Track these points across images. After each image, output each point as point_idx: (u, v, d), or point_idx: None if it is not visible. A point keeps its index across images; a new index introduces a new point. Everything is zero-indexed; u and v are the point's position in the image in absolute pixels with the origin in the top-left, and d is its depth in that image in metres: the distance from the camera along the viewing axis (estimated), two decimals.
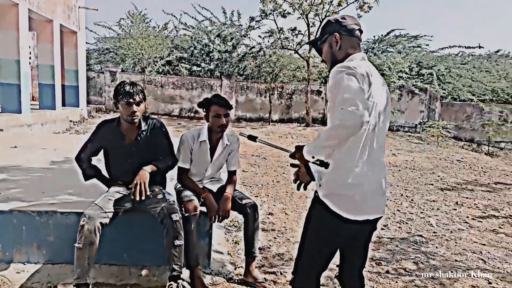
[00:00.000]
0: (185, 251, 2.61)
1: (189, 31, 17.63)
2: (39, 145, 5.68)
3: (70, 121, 11.36)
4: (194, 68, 16.00)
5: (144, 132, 2.75)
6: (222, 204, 2.78)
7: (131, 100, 2.56)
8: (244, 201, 2.85)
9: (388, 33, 19.18)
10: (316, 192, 1.85)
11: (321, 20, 13.70)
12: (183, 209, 2.66)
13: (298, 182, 1.92)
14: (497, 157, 11.61)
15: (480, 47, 15.72)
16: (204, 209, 2.81)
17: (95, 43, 18.48)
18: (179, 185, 2.99)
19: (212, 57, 16.13)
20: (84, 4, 12.50)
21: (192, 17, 17.64)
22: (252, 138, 2.24)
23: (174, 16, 18.21)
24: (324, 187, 1.79)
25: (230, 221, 4.03)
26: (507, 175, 8.14)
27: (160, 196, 2.70)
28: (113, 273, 2.73)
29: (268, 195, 5.45)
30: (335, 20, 1.91)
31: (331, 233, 1.83)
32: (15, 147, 5.36)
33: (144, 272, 2.79)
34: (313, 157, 1.74)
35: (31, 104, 9.80)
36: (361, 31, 1.90)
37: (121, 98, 2.57)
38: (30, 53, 12.69)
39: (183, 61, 16.39)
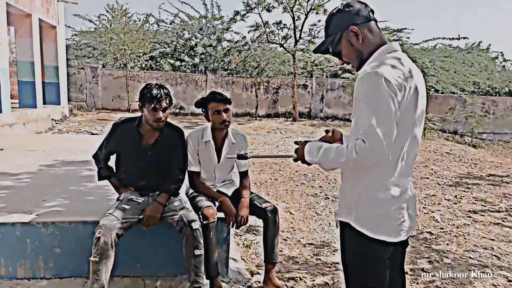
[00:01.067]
0: (205, 261, 2.48)
1: (169, 26, 17.24)
2: (24, 146, 5.39)
3: (52, 119, 10.94)
4: (178, 63, 15.67)
5: (164, 138, 2.61)
6: (241, 211, 2.64)
7: (157, 106, 2.44)
8: (264, 205, 2.71)
9: None
10: (345, 224, 1.61)
11: (305, 13, 13.61)
12: (200, 216, 2.51)
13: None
14: (481, 148, 11.83)
15: (464, 38, 15.98)
16: (220, 214, 2.67)
17: (72, 38, 17.87)
18: (191, 191, 2.83)
19: (196, 51, 15.84)
20: None
21: (171, 13, 17.25)
22: (241, 157, 1.98)
23: (158, 12, 17.76)
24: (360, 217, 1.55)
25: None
26: (497, 166, 8.28)
27: (176, 203, 2.55)
28: (126, 286, 2.57)
29: (268, 194, 5.33)
30: (341, 10, 1.57)
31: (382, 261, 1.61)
32: (1, 149, 5.06)
33: (159, 283, 2.63)
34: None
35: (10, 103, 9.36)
36: (373, 11, 1.59)
37: (147, 102, 2.44)
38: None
39: (166, 56, 16.03)
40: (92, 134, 9.64)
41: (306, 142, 1.68)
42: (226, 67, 16.21)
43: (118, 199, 2.57)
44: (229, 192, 2.88)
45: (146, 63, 14.88)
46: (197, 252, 2.38)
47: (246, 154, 2.00)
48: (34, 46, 10.18)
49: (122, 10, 14.21)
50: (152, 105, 2.43)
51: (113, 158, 2.72)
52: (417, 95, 1.49)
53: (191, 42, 16.17)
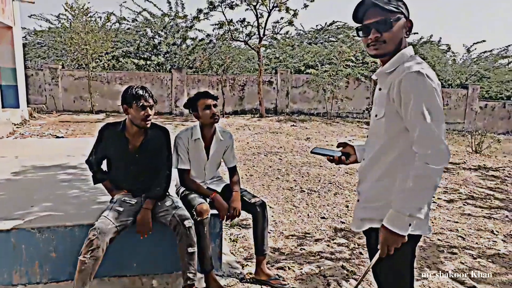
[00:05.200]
0: (199, 256, 2.60)
1: (131, 24, 16.89)
2: None
3: (12, 123, 10.50)
4: (142, 62, 15.41)
5: (150, 140, 2.66)
6: (233, 203, 2.79)
7: (145, 103, 2.49)
8: (253, 200, 2.87)
9: (330, 24, 19.83)
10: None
11: (268, 11, 13.81)
12: (194, 213, 2.62)
13: None
14: None
15: (415, 33, 16.75)
16: (212, 210, 2.79)
17: (24, 37, 17.07)
18: (182, 189, 2.93)
19: (160, 50, 15.65)
20: None
21: (134, 11, 16.87)
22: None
23: (119, 10, 17.32)
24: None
25: None
26: (454, 155, 8.86)
27: (168, 203, 2.64)
28: (125, 285, 2.63)
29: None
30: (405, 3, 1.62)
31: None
32: None
33: (155, 281, 2.72)
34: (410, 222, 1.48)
35: None
36: None
37: (134, 101, 2.48)
38: None
39: (129, 55, 15.72)
40: (57, 137, 9.36)
41: (385, 229, 1.52)
42: (191, 65, 16.11)
43: (111, 201, 2.62)
44: (219, 188, 3.01)
45: (109, 63, 14.51)
46: (190, 250, 2.47)
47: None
48: None
49: (82, 9, 13.76)
50: (141, 103, 2.47)
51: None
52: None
53: (154, 41, 15.95)
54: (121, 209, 2.51)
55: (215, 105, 2.88)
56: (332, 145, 9.37)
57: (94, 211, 2.77)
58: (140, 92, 2.51)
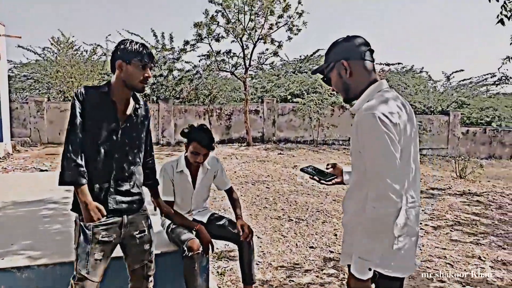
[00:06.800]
0: None
1: None
2: None
3: None
4: None
5: (139, 108, 2.10)
6: (245, 226, 2.82)
7: (148, 62, 1.96)
8: (237, 230, 2.85)
9: (314, 53, 20.34)
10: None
11: (254, 42, 14.13)
12: (185, 248, 2.58)
13: None
14: (422, 164, 12.72)
15: (398, 63, 17.31)
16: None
17: (10, 70, 17.07)
18: (168, 222, 2.90)
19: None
20: (5, 31, 11.56)
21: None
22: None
23: (105, 43, 17.52)
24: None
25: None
26: (438, 180, 8.97)
27: (147, 246, 2.15)
28: None
29: None
30: (341, 42, 1.67)
31: None
32: None
33: None
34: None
35: None
36: (372, 51, 1.67)
37: (135, 57, 1.93)
38: None
39: None
40: (41, 170, 9.21)
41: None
42: (178, 96, 16.22)
43: (84, 231, 1.95)
44: (204, 219, 2.99)
45: None
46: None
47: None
48: None
49: (68, 43, 13.89)
50: (143, 61, 1.95)
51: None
52: (412, 126, 1.59)
53: None
54: (100, 255, 1.95)
55: (206, 155, 2.81)
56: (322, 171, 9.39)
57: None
58: (142, 48, 1.97)
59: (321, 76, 1.77)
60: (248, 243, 2.85)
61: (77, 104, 1.92)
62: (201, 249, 2.61)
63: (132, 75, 1.95)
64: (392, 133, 1.46)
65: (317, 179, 1.91)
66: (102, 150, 1.96)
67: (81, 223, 1.96)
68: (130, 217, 2.08)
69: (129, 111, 2.05)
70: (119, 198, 2.02)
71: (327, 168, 2.00)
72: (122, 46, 1.96)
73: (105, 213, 1.94)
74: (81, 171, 1.88)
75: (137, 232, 2.10)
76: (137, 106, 2.08)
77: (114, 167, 2.00)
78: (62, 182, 1.88)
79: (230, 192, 3.09)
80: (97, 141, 1.95)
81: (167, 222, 2.90)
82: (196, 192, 2.97)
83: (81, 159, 1.90)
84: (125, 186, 2.05)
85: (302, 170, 1.94)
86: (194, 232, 2.78)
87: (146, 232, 2.14)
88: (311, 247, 4.34)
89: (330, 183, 1.90)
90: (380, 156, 1.45)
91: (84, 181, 1.88)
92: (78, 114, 1.91)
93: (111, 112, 1.98)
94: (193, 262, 2.54)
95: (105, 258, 1.99)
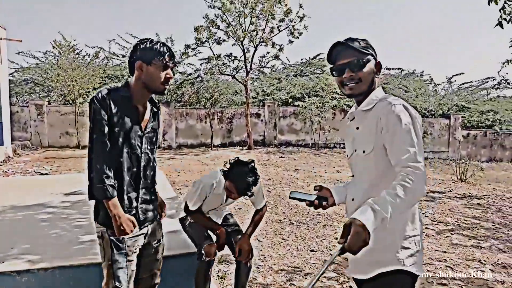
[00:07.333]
0: None
1: (121, 59, 17.14)
2: None
3: None
4: None
5: (156, 113, 2.03)
6: (241, 245, 2.73)
7: (170, 63, 1.88)
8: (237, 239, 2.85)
9: (315, 57, 20.37)
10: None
11: (255, 46, 14.16)
12: (202, 252, 2.57)
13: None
14: None
15: (398, 68, 17.34)
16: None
17: (12, 74, 17.13)
18: (189, 220, 2.89)
19: None
20: (6, 35, 11.61)
21: (123, 47, 17.18)
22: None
23: (108, 46, 17.59)
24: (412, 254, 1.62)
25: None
26: (439, 183, 8.96)
27: (159, 255, 2.12)
28: None
29: None
30: (368, 42, 1.71)
31: None
32: None
33: None
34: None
35: None
36: None
37: (157, 57, 1.85)
38: None
39: None
40: (41, 174, 9.23)
41: (354, 225, 1.36)
42: (179, 99, 16.25)
43: (117, 245, 1.86)
44: (219, 220, 3.00)
45: None
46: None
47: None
48: None
49: (69, 46, 13.93)
50: (165, 61, 1.86)
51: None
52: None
53: None
54: (134, 266, 1.92)
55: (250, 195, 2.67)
56: (321, 175, 9.40)
57: (75, 251, 2.70)
58: (163, 47, 1.88)
59: (330, 66, 1.73)
60: (245, 263, 2.80)
61: (101, 110, 1.79)
62: (217, 255, 2.61)
63: (152, 76, 1.86)
64: (418, 121, 1.57)
65: (307, 203, 1.82)
66: (130, 159, 1.87)
67: (111, 237, 1.85)
68: (152, 226, 2.03)
69: (147, 115, 1.96)
70: (145, 207, 1.96)
71: (315, 190, 1.89)
72: (141, 46, 1.86)
73: (136, 225, 1.87)
74: (112, 183, 1.79)
75: (155, 242, 2.06)
76: (154, 109, 2.01)
77: (142, 176, 1.93)
78: (92, 197, 1.79)
79: (258, 212, 2.96)
80: (124, 149, 1.85)
81: (188, 220, 2.90)
82: (223, 205, 2.97)
83: (110, 170, 1.79)
84: (149, 195, 2.00)
85: (290, 198, 1.84)
86: (216, 233, 2.78)
87: (162, 241, 2.13)
88: (312, 250, 4.33)
89: (326, 205, 1.79)
90: (414, 137, 1.51)
91: (115, 193, 1.79)
92: (103, 122, 1.79)
93: (135, 118, 1.89)
94: (208, 267, 2.55)
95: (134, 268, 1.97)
